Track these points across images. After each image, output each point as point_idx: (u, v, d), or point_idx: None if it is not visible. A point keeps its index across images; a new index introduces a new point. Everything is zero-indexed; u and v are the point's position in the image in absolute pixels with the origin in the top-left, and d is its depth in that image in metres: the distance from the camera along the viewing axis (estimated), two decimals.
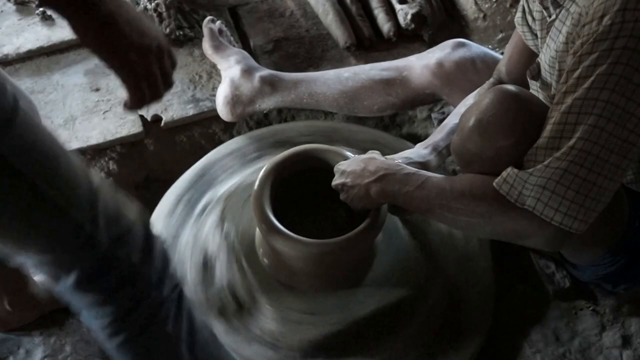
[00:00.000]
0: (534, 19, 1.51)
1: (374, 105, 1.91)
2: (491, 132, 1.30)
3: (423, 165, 1.56)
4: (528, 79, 1.52)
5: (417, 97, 1.89)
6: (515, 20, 1.59)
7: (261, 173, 1.56)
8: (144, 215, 1.12)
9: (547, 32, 1.42)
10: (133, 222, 1.08)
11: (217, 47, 2.02)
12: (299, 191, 1.65)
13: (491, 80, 1.69)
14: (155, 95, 1.00)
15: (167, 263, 1.13)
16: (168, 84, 1.01)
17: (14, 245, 1.03)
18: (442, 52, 1.85)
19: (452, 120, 1.66)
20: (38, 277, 1.58)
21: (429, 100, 1.93)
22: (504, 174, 1.26)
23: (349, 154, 1.58)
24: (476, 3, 2.33)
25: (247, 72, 1.95)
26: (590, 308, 1.55)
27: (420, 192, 1.38)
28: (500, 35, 2.28)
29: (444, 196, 1.35)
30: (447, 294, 1.61)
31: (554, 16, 1.38)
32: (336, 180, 1.50)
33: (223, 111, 1.98)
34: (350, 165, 1.49)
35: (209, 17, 2.08)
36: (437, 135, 1.65)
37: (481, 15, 2.32)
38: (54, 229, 1.01)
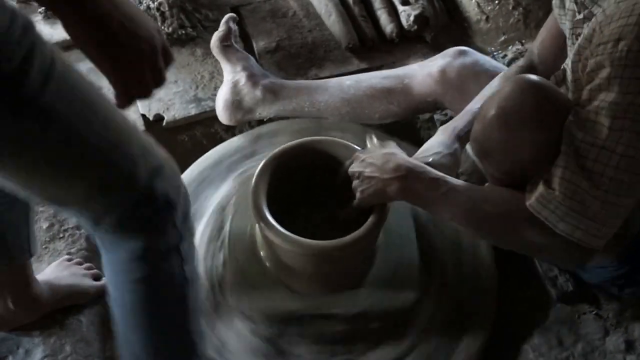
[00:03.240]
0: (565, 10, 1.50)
1: (376, 114, 1.90)
2: (514, 121, 1.28)
3: (452, 155, 1.55)
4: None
5: (419, 105, 1.89)
6: (553, 2, 1.55)
7: (259, 167, 1.53)
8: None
9: (575, 30, 1.41)
10: (165, 158, 1.14)
11: (227, 48, 2.01)
12: (303, 184, 1.63)
13: (521, 63, 1.69)
14: (144, 94, 0.99)
15: (189, 204, 1.19)
16: (159, 83, 1.00)
17: (59, 194, 1.06)
18: (444, 60, 1.85)
19: (475, 105, 1.64)
20: (40, 277, 1.58)
21: (431, 108, 1.93)
22: (541, 198, 1.26)
23: (354, 146, 1.56)
24: (479, 5, 2.33)
25: (252, 80, 1.95)
26: (594, 312, 1.54)
27: (445, 199, 1.37)
28: (502, 38, 2.29)
29: (473, 209, 1.35)
30: (449, 297, 1.60)
31: (580, 15, 1.37)
32: (354, 168, 1.48)
33: (222, 115, 1.97)
34: (372, 156, 1.46)
35: (231, 15, 2.05)
36: (459, 120, 1.63)
37: (484, 17, 2.32)
38: (97, 174, 1.06)
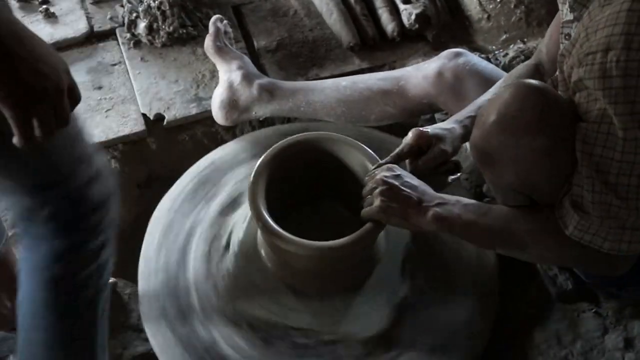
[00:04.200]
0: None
1: (371, 115, 1.90)
2: (515, 127, 1.25)
3: (449, 131, 1.53)
4: None
5: (415, 107, 1.88)
6: None
7: (256, 165, 1.52)
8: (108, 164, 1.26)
9: (563, 30, 1.39)
10: (103, 166, 1.22)
11: (220, 49, 2.01)
12: (308, 182, 1.62)
13: (531, 61, 1.67)
14: (46, 134, 0.96)
15: (117, 214, 1.26)
16: (62, 124, 0.98)
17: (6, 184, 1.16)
18: (439, 62, 1.84)
19: (483, 97, 1.62)
20: None
21: (426, 110, 1.92)
22: (580, 226, 1.25)
23: (355, 142, 1.56)
24: (480, 4, 2.32)
25: (247, 79, 1.95)
26: (593, 310, 1.54)
27: (484, 221, 1.37)
28: (504, 36, 2.28)
29: (510, 228, 1.35)
30: (449, 297, 1.60)
31: (570, 16, 1.36)
32: (377, 185, 1.44)
33: (218, 115, 1.97)
34: (408, 176, 1.45)
35: (217, 16, 2.07)
36: (463, 111, 1.60)
37: (485, 15, 2.31)
38: (43, 174, 1.15)
